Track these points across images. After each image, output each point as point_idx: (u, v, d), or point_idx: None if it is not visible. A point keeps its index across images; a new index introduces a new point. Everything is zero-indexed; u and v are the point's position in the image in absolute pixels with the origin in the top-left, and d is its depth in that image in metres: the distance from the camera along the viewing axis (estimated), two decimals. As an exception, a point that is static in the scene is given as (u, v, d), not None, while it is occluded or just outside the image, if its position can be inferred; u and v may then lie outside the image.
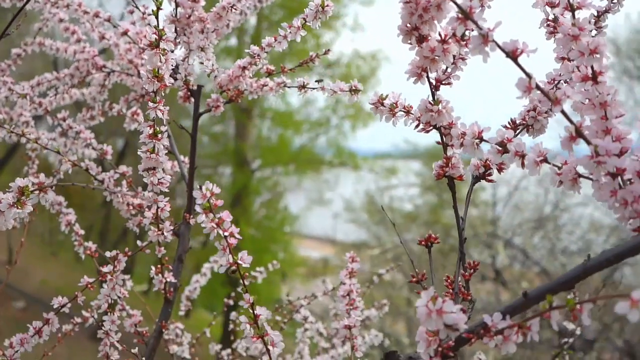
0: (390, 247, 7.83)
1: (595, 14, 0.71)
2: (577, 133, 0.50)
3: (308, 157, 11.68)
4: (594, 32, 0.70)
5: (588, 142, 0.49)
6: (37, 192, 0.66)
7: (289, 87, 0.93)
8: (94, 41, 1.20)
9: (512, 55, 0.48)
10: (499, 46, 0.48)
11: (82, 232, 1.06)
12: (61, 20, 1.17)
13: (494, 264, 5.85)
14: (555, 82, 0.67)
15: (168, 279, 0.94)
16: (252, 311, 0.62)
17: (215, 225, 0.59)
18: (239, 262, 0.60)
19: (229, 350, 1.26)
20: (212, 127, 11.45)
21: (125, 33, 1.03)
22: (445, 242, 7.37)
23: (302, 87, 0.91)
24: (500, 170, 0.64)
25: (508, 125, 0.66)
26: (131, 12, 1.11)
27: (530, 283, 6.45)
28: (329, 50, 0.95)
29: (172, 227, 0.88)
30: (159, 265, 0.92)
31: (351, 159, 11.12)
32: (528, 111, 0.66)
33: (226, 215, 0.60)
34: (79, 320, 1.10)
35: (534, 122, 0.65)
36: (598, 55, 0.51)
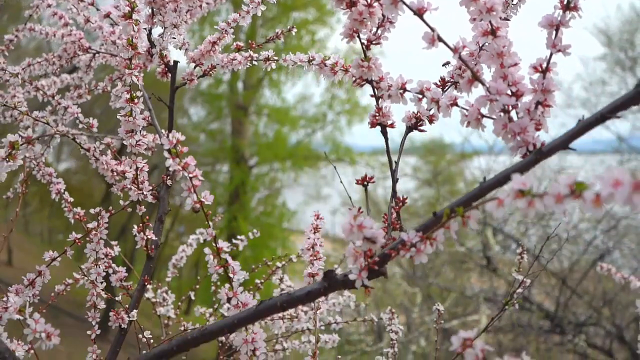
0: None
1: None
2: (474, 77, 0.59)
3: (305, 153, 11.78)
4: (515, 1, 0.80)
5: (483, 84, 0.59)
6: (25, 145, 0.75)
7: (256, 60, 1.02)
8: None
9: (419, 12, 0.58)
10: (406, 5, 0.58)
11: (71, 199, 1.16)
12: (49, 6, 1.26)
13: (485, 250, 5.96)
14: (480, 44, 0.76)
15: (149, 237, 1.03)
16: (215, 244, 0.72)
17: (181, 168, 0.69)
18: (202, 200, 0.70)
19: (210, 310, 1.37)
20: (209, 125, 11.55)
21: (107, 15, 1.12)
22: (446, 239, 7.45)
23: (267, 59, 1.00)
24: (430, 121, 0.73)
25: (438, 83, 0.75)
26: (113, -3, 1.20)
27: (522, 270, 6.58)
28: (293, 27, 1.05)
29: (151, 187, 0.97)
30: (140, 224, 1.02)
31: (348, 154, 11.22)
32: (455, 69, 0.75)
33: (191, 160, 0.69)
34: (70, 281, 1.19)
35: (460, 80, 0.74)
36: (494, 13, 0.60)
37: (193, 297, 1.40)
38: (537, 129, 0.59)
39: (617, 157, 8.72)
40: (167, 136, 0.68)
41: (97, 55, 1.26)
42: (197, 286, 1.47)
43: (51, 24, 1.35)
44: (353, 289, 0.64)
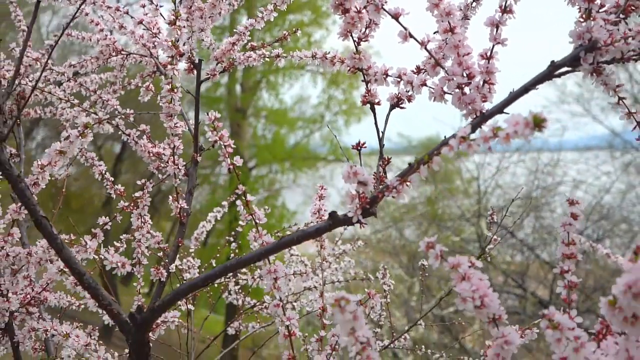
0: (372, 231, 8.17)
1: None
2: (436, 63, 0.80)
3: (303, 154, 11.98)
4: (474, 4, 1.01)
5: (443, 68, 0.80)
6: (96, 124, 0.96)
7: (267, 58, 1.23)
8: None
9: (395, 16, 0.79)
10: (386, 11, 0.79)
11: (112, 179, 1.37)
12: (87, 14, 1.47)
13: (480, 241, 6.18)
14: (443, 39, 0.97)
15: (182, 206, 1.24)
16: (245, 198, 0.93)
17: (218, 139, 0.90)
18: (235, 162, 0.91)
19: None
20: (200, 129, 11.74)
21: (140, 22, 1.33)
22: (440, 229, 7.72)
23: (277, 56, 1.21)
24: (409, 100, 0.94)
25: (414, 70, 0.96)
26: (143, 6, 1.42)
27: (514, 260, 6.83)
28: (297, 29, 1.26)
29: (185, 163, 1.19)
30: (175, 194, 1.23)
31: (346, 154, 11.41)
32: (426, 59, 0.96)
33: (225, 132, 0.91)
34: (118, 244, 1.40)
35: (428, 66, 0.96)
36: (452, 16, 0.81)
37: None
38: (484, 101, 0.80)
39: (611, 152, 8.90)
40: (207, 114, 0.89)
41: (129, 56, 1.47)
42: (218, 255, 1.68)
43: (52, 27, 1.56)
44: (350, 224, 0.86)
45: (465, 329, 6.88)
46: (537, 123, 0.57)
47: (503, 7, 0.80)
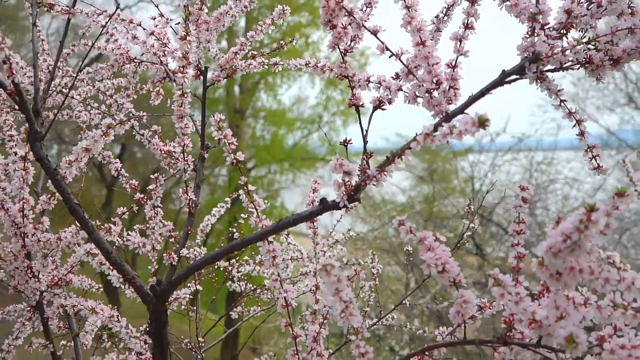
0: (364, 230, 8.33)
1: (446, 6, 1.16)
2: (409, 72, 0.95)
3: (301, 154, 12.12)
4: (445, 18, 1.16)
5: (414, 76, 0.95)
6: (118, 125, 1.11)
7: (266, 65, 1.38)
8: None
9: (374, 32, 0.94)
10: (366, 28, 0.94)
11: (127, 175, 1.51)
12: (102, 26, 1.61)
13: (474, 237, 6.33)
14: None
15: (191, 197, 1.39)
16: (246, 188, 1.08)
17: (223, 137, 1.04)
18: (237, 157, 1.06)
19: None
20: (206, 129, 11.90)
21: (152, 33, 1.48)
22: (436, 226, 7.87)
23: (275, 64, 1.36)
24: (389, 102, 1.09)
25: (393, 76, 1.11)
26: (154, 18, 1.56)
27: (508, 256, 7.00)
28: (293, 39, 1.41)
29: (193, 159, 1.33)
30: (184, 188, 1.38)
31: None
32: (402, 68, 1.11)
33: (229, 131, 1.05)
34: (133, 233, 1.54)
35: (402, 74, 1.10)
36: (422, 31, 0.96)
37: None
38: (449, 103, 0.94)
39: (606, 151, 9.04)
40: (213, 116, 1.04)
41: (141, 64, 1.62)
42: (221, 245, 1.82)
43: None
44: (338, 209, 1.00)
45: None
46: (482, 122, 0.72)
47: (466, 24, 0.95)
